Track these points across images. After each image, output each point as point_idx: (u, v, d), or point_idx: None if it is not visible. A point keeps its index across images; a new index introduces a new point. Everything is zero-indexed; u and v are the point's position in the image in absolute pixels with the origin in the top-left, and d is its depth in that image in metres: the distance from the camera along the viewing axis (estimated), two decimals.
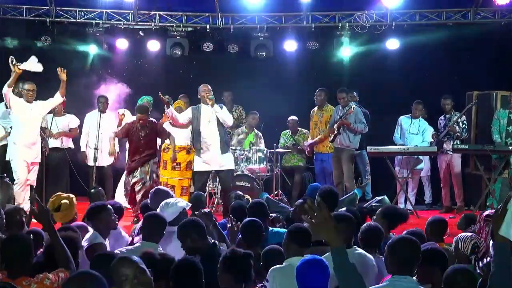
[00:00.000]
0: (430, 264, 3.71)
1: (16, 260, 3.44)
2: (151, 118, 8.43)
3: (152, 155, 8.20)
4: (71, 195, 5.56)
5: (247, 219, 4.85)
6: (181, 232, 4.37)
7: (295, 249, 4.10)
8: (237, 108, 10.47)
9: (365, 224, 4.69)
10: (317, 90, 9.71)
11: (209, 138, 8.09)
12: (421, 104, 9.71)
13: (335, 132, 8.95)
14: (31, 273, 3.46)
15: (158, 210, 4.99)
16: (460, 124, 9.44)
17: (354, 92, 9.82)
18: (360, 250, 4.24)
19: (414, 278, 3.52)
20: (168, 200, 5.07)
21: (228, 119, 8.17)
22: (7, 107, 8.57)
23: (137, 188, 7.97)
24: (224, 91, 10.43)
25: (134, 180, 7.99)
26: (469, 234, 4.60)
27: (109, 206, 5.09)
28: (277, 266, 4.05)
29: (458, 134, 9.40)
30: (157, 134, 8.31)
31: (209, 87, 8.26)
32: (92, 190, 6.60)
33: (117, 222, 5.17)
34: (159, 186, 6.12)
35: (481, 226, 4.67)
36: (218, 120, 8.09)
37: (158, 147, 8.85)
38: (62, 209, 5.33)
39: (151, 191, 5.98)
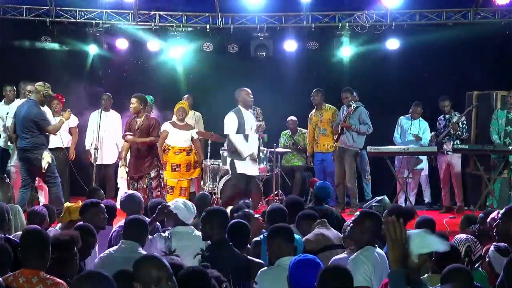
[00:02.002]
0: None
1: (34, 253, 3.50)
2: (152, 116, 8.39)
3: (152, 161, 7.97)
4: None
5: (233, 221, 4.83)
6: (205, 218, 4.45)
7: (283, 246, 4.06)
8: (255, 109, 10.45)
9: None
10: (313, 91, 9.73)
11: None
12: (420, 106, 9.70)
13: (339, 131, 8.97)
14: (44, 269, 3.52)
15: (174, 208, 5.00)
16: (460, 124, 9.44)
17: (354, 93, 9.81)
18: (379, 250, 4.21)
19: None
20: (186, 202, 5.13)
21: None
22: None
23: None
24: None
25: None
26: (465, 236, 4.62)
27: (101, 204, 5.14)
28: (266, 268, 4.04)
29: (458, 133, 9.40)
30: (149, 129, 7.88)
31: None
32: (91, 190, 6.59)
33: (105, 222, 5.15)
34: (131, 191, 6.17)
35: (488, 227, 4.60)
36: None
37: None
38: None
39: (123, 195, 5.98)
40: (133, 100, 7.84)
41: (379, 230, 4.16)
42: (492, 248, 3.96)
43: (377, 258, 4.01)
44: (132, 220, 4.67)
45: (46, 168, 7.63)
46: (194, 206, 5.13)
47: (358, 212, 4.34)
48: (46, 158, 7.63)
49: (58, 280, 3.45)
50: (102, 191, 6.60)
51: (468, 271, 3.45)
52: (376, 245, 4.18)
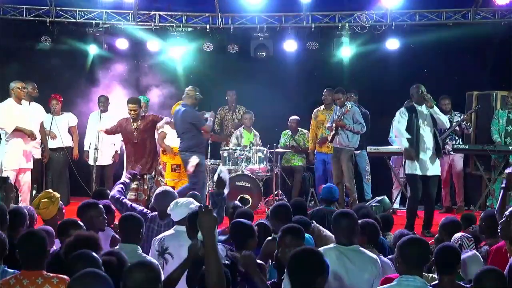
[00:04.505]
0: None
1: (32, 254, 3.54)
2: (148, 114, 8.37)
3: (152, 161, 7.98)
4: (57, 195, 5.46)
5: (235, 220, 4.79)
6: (188, 221, 4.39)
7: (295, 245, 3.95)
8: (240, 108, 10.46)
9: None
10: (326, 90, 9.67)
11: (427, 141, 7.63)
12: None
13: (333, 132, 8.95)
14: (45, 268, 3.56)
15: (168, 209, 4.97)
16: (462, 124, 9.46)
17: (352, 93, 9.79)
18: (362, 249, 4.20)
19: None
20: (178, 200, 5.05)
21: (444, 119, 7.65)
22: None
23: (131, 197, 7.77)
24: (228, 90, 10.45)
25: (132, 186, 7.83)
26: (460, 235, 4.65)
27: (100, 205, 5.04)
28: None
29: (469, 124, 9.39)
30: (153, 123, 7.98)
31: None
32: (97, 192, 6.56)
33: (105, 224, 5.02)
34: (166, 187, 6.03)
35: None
36: (433, 121, 7.64)
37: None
38: (41, 207, 5.27)
39: (156, 191, 5.89)
40: (134, 106, 7.79)
41: (350, 228, 4.15)
42: None
43: (333, 258, 3.95)
44: (126, 217, 4.60)
45: (192, 170, 7.86)
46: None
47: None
48: (192, 162, 7.87)
49: (62, 276, 3.45)
50: (109, 192, 6.57)
51: (501, 273, 3.45)
52: (358, 245, 4.17)
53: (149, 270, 3.06)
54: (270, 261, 4.58)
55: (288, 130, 10.31)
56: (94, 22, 10.62)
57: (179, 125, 8.03)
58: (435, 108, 7.62)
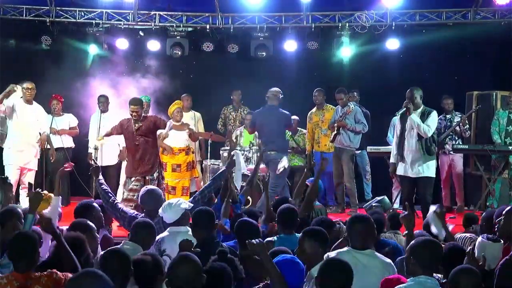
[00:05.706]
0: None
1: (23, 256, 3.57)
2: (149, 114, 8.35)
3: (154, 163, 7.92)
4: (48, 193, 5.44)
5: (241, 219, 4.79)
6: (193, 218, 4.51)
7: (320, 252, 3.93)
8: (244, 108, 10.45)
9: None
10: (315, 91, 9.68)
11: (411, 144, 7.62)
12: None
13: (335, 131, 8.95)
14: (36, 269, 3.60)
15: (160, 210, 4.96)
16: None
17: (355, 92, 9.81)
18: (377, 253, 4.09)
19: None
20: (171, 201, 5.04)
21: (421, 128, 7.51)
22: None
23: (129, 196, 7.71)
24: (233, 90, 10.43)
25: (131, 186, 7.82)
26: (468, 235, 4.66)
27: (94, 204, 5.15)
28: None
29: (467, 126, 9.39)
30: (155, 126, 7.91)
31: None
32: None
33: (102, 221, 5.20)
34: (150, 186, 6.01)
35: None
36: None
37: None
38: (38, 209, 5.31)
39: (141, 192, 5.87)
40: (135, 107, 7.69)
41: (367, 232, 4.09)
42: (480, 238, 4.01)
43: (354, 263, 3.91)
44: (141, 223, 4.66)
45: (280, 171, 8.04)
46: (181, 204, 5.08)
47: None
48: (283, 163, 8.14)
49: (48, 273, 3.52)
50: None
51: (477, 272, 3.47)
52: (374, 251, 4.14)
53: (194, 262, 3.29)
54: None
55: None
56: (94, 22, 10.62)
57: (273, 126, 8.37)
58: (412, 116, 7.55)
